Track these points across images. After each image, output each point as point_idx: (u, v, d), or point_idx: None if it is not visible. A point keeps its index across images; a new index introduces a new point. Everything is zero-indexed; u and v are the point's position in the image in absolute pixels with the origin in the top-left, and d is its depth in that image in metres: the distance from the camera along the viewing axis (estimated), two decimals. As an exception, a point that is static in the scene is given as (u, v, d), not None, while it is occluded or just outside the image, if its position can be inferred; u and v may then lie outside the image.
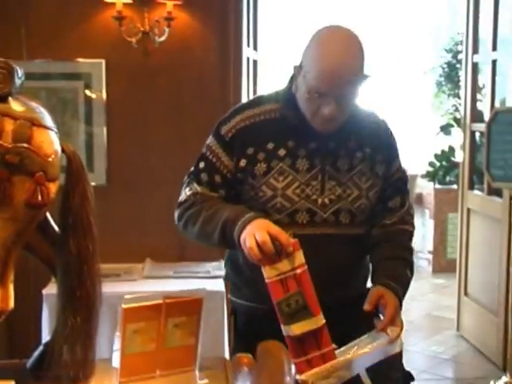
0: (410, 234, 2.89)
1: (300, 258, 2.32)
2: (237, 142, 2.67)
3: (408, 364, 2.57)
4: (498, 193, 5.82)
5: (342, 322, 2.53)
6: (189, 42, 5.09)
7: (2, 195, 2.25)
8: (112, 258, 4.48)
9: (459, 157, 7.11)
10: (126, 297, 2.59)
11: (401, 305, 2.64)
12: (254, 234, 2.36)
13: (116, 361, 2.61)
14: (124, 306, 2.53)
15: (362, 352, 2.40)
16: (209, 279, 4.61)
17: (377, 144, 2.76)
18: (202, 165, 2.75)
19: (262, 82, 5.95)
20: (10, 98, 2.30)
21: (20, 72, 2.36)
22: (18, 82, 2.34)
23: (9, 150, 2.24)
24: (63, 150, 2.41)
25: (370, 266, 2.87)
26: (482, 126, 5.84)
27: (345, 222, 2.69)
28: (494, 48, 5.95)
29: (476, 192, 6.42)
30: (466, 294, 6.52)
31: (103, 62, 5.09)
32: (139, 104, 5.08)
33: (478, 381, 5.54)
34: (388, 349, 2.47)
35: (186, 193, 2.75)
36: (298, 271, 2.30)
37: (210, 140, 2.78)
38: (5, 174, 2.24)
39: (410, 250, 2.88)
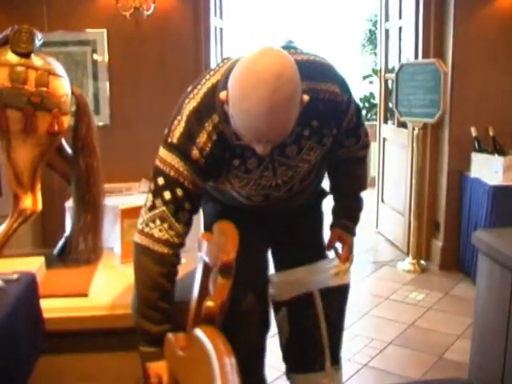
0: (363, 159, 2.49)
1: None
2: (208, 166, 2.02)
3: None
4: (404, 125, 5.85)
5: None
6: (170, 15, 5.04)
7: (29, 126, 2.32)
8: (116, 178, 4.57)
9: (377, 99, 7.13)
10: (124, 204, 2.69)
11: (354, 233, 2.50)
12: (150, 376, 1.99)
13: (117, 247, 2.69)
14: (121, 207, 2.63)
15: (316, 275, 2.38)
16: None
17: (325, 119, 2.12)
18: (179, 192, 2.00)
19: (228, 45, 5.93)
20: (32, 55, 2.36)
21: (39, 35, 2.40)
22: (38, 43, 2.38)
23: (33, 92, 2.31)
24: (73, 93, 2.49)
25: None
26: (392, 76, 5.85)
27: (297, 188, 2.30)
28: (400, 17, 5.93)
29: (389, 125, 6.43)
30: (382, 201, 6.59)
31: (105, 31, 5.05)
32: (133, 63, 5.05)
33: (391, 262, 5.68)
34: (337, 278, 2.40)
35: (166, 230, 2.00)
36: None
37: (177, 164, 1.99)
38: (30, 111, 2.31)
39: (363, 175, 2.56)
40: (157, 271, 1.99)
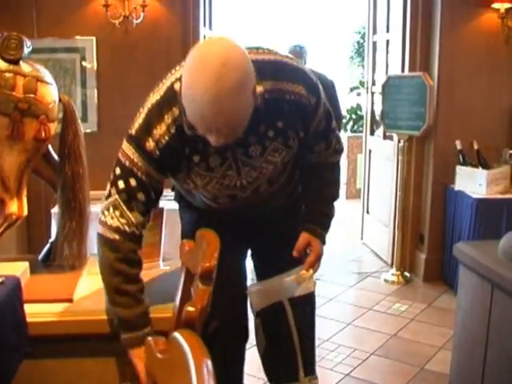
0: (336, 164, 2.45)
1: None
2: (163, 159, 2.01)
3: (323, 263, 2.44)
4: (390, 137, 5.90)
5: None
6: (159, 24, 5.08)
7: (16, 132, 2.34)
8: (102, 186, 4.54)
9: (363, 111, 7.18)
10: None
11: (324, 241, 2.40)
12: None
13: (102, 254, 2.72)
14: (107, 213, 2.64)
15: (284, 284, 2.35)
16: (174, 201, 4.59)
17: (290, 120, 2.10)
18: (133, 182, 2.02)
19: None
20: (20, 62, 2.38)
21: (28, 42, 2.42)
22: (26, 50, 2.40)
23: (20, 99, 2.32)
24: (60, 100, 2.51)
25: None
26: (379, 88, 5.91)
27: (263, 189, 2.26)
28: (388, 30, 6.00)
29: (375, 137, 6.47)
30: (367, 212, 6.62)
31: (94, 38, 5.06)
32: (121, 71, 5.08)
33: (375, 273, 5.72)
34: (303, 286, 2.36)
35: (117, 218, 2.02)
36: None
37: (132, 155, 2.02)
38: (18, 117, 2.32)
39: (335, 181, 2.49)
40: (113, 257, 2.02)
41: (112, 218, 2.03)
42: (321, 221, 2.43)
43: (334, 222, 2.48)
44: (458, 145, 5.09)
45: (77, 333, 2.17)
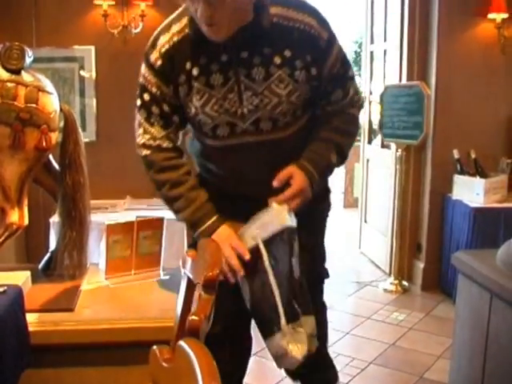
0: (352, 117, 2.31)
1: None
2: (165, 68, 2.11)
3: None
4: (388, 146, 5.92)
5: None
6: (157, 33, 5.10)
7: (17, 142, 2.35)
8: (101, 195, 4.57)
9: (361, 120, 7.20)
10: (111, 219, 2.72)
11: (312, 186, 2.18)
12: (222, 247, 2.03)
13: (102, 264, 2.70)
14: (107, 222, 2.66)
15: (259, 226, 2.10)
16: None
17: (298, 50, 2.08)
18: (146, 97, 2.17)
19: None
20: (22, 72, 2.40)
21: (30, 52, 2.43)
22: (28, 59, 2.41)
23: (22, 109, 2.34)
24: (61, 109, 2.52)
25: None
26: (376, 98, 5.94)
27: (266, 129, 2.17)
28: (385, 40, 6.03)
29: (373, 146, 6.49)
30: (365, 221, 6.64)
31: (93, 48, 5.08)
32: (119, 80, 5.05)
33: (373, 283, 5.72)
34: (276, 221, 2.07)
35: (142, 135, 2.22)
36: None
37: (144, 70, 2.18)
38: (19, 127, 2.34)
39: (347, 132, 2.30)
40: (152, 172, 2.24)
41: (138, 136, 2.24)
42: (316, 160, 2.22)
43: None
44: (456, 154, 5.11)
45: (77, 342, 2.17)
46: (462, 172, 5.12)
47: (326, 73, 2.15)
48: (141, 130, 2.23)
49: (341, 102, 2.24)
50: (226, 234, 2.09)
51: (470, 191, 4.96)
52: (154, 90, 2.15)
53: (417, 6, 5.31)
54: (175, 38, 2.09)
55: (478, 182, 4.94)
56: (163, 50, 2.10)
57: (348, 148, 2.31)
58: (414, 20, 5.33)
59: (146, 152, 2.23)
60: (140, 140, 2.24)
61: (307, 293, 2.13)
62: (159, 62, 2.11)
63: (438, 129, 5.25)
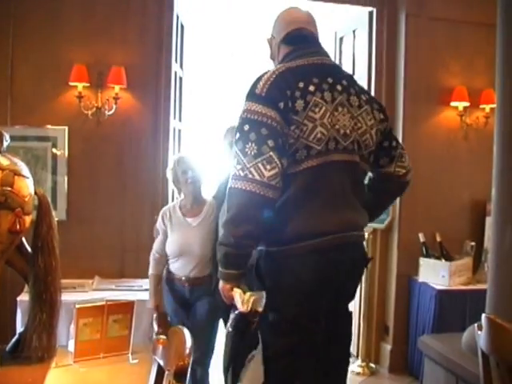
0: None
1: None
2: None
3: None
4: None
5: None
6: (130, 115, 5.16)
7: (-9, 224, 2.37)
8: (70, 274, 4.51)
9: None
10: (79, 299, 2.72)
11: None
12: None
13: (71, 346, 2.70)
14: (77, 306, 2.66)
15: None
16: (142, 291, 4.54)
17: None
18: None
19: (185, 146, 6.05)
20: (-1, 155, 2.44)
21: (7, 136, 2.49)
22: (5, 143, 2.46)
23: (-3, 192, 2.37)
24: (36, 193, 2.55)
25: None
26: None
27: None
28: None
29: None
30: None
31: (66, 128, 5.10)
32: (92, 160, 5.11)
33: (340, 366, 5.67)
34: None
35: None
36: None
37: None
38: (-7, 210, 2.37)
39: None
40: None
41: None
42: None
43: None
44: (421, 237, 5.20)
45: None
46: (427, 255, 5.20)
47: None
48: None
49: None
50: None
51: (436, 274, 5.03)
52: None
53: (382, 92, 5.49)
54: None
55: (443, 265, 5.02)
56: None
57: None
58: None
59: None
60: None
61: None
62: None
63: (404, 213, 5.36)
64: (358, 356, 5.64)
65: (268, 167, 2.29)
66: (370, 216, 2.71)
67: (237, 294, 2.36)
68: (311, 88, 2.43)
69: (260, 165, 2.29)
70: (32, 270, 2.56)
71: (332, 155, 2.44)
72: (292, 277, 2.44)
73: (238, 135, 2.40)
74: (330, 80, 2.51)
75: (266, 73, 2.49)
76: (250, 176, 2.29)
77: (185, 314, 3.91)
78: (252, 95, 2.41)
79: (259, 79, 2.46)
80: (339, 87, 2.51)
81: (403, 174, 2.83)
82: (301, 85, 2.42)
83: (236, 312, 2.38)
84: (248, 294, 2.35)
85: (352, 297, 2.75)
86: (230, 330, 2.39)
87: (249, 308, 2.32)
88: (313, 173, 2.43)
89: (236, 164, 2.35)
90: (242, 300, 2.34)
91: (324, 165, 2.42)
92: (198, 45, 7.40)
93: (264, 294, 2.38)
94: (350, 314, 2.74)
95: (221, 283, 2.47)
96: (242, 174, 2.31)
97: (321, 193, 2.45)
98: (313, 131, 2.39)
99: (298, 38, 2.66)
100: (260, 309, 2.34)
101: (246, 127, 2.36)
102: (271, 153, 2.30)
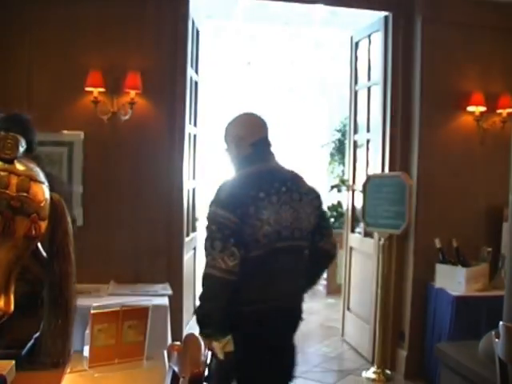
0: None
1: None
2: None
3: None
4: (370, 235, 5.97)
5: None
6: (146, 120, 5.17)
7: (7, 230, 2.35)
8: (85, 279, 4.53)
9: (345, 209, 7.27)
10: (94, 304, 2.72)
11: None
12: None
13: (86, 351, 2.70)
14: (92, 311, 2.66)
15: None
16: (157, 296, 4.58)
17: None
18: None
19: (200, 151, 6.07)
20: (15, 161, 2.44)
21: (23, 142, 2.48)
22: (21, 149, 2.46)
23: (13, 197, 2.34)
24: (51, 198, 2.55)
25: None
26: (359, 186, 6.02)
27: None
28: (368, 130, 6.17)
29: (356, 234, 6.54)
30: (348, 309, 6.60)
31: (82, 133, 5.12)
32: (107, 165, 5.13)
33: (355, 371, 5.65)
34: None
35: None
36: None
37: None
38: (9, 215, 2.34)
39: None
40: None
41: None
42: None
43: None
44: (438, 243, 5.17)
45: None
46: (444, 261, 5.17)
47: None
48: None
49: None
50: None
51: (452, 280, 5.00)
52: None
53: (399, 97, 5.47)
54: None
55: (460, 271, 4.99)
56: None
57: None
58: (397, 113, 5.49)
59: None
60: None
61: None
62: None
63: (420, 218, 5.33)
64: (373, 362, 5.62)
65: (231, 258, 2.89)
66: (308, 284, 3.32)
67: (215, 346, 2.87)
68: (261, 195, 2.97)
69: (226, 257, 2.88)
70: (47, 276, 2.56)
71: (275, 244, 2.99)
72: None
73: (207, 233, 2.97)
74: (276, 184, 3.04)
75: (226, 182, 3.06)
76: (218, 265, 2.88)
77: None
78: (217, 202, 2.98)
79: (222, 189, 3.03)
80: (284, 189, 3.06)
81: (331, 249, 3.31)
82: (252, 193, 2.97)
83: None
84: (217, 343, 2.87)
85: None
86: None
87: (222, 355, 2.87)
88: (259, 258, 2.98)
89: (208, 255, 2.95)
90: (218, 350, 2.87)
91: (269, 251, 2.98)
92: (215, 53, 7.41)
93: (230, 336, 2.91)
94: None
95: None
96: (212, 263, 2.91)
97: (264, 272, 3.01)
98: (261, 229, 2.95)
99: (255, 147, 3.16)
100: (231, 348, 2.89)
101: (214, 227, 2.94)
102: (233, 248, 2.89)
